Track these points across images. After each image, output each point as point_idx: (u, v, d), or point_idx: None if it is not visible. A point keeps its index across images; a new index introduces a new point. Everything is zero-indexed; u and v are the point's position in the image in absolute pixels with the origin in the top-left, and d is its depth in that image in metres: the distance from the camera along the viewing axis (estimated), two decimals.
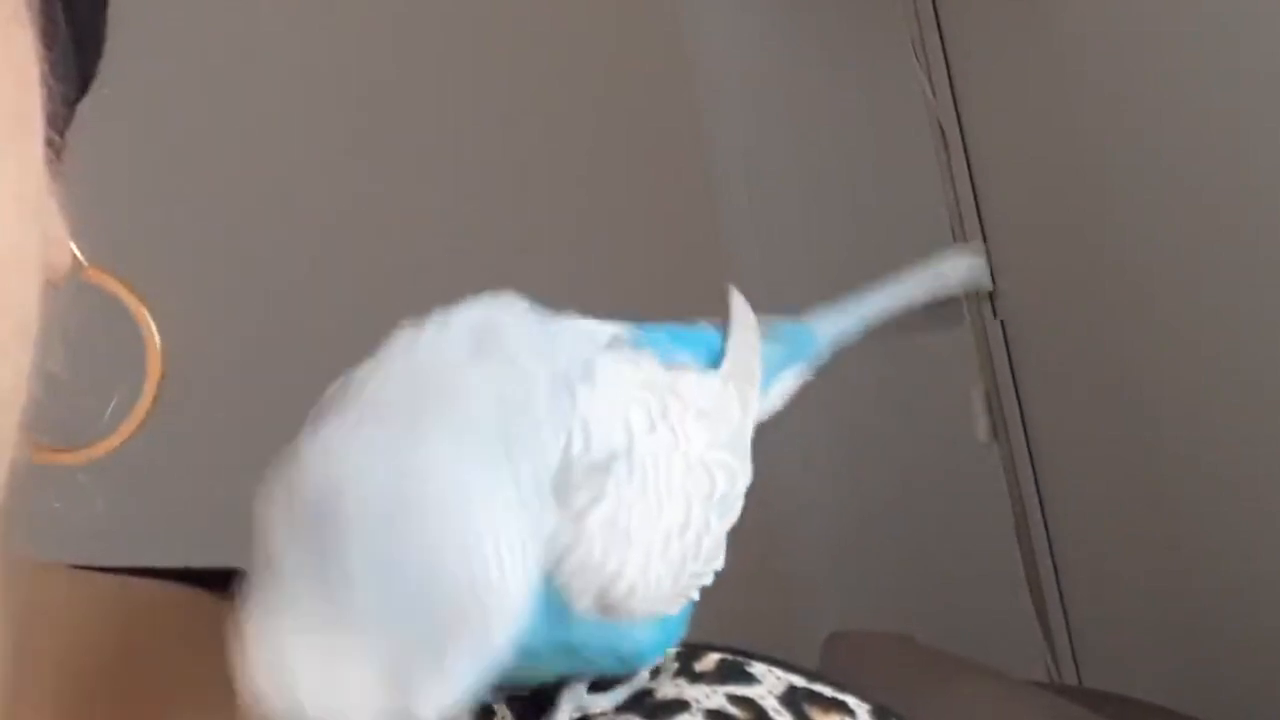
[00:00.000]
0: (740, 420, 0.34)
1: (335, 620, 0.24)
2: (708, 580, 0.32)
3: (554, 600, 0.29)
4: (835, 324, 0.39)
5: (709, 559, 0.32)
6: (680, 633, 0.33)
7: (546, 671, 0.31)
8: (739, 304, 0.37)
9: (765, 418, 0.36)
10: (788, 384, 0.38)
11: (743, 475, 0.33)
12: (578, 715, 0.32)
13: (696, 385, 0.33)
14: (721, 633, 0.35)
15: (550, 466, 0.29)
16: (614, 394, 0.31)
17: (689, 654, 0.34)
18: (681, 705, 0.32)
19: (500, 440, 0.27)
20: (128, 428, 0.28)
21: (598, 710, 0.32)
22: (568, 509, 0.29)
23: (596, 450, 0.30)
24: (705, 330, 0.36)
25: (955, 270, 0.43)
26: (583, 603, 0.29)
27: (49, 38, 0.26)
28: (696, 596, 0.32)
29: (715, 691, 0.33)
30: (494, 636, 0.26)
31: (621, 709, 0.32)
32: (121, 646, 0.31)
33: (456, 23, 1.54)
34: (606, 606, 0.30)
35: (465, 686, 0.25)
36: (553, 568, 0.29)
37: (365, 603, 0.24)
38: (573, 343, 0.31)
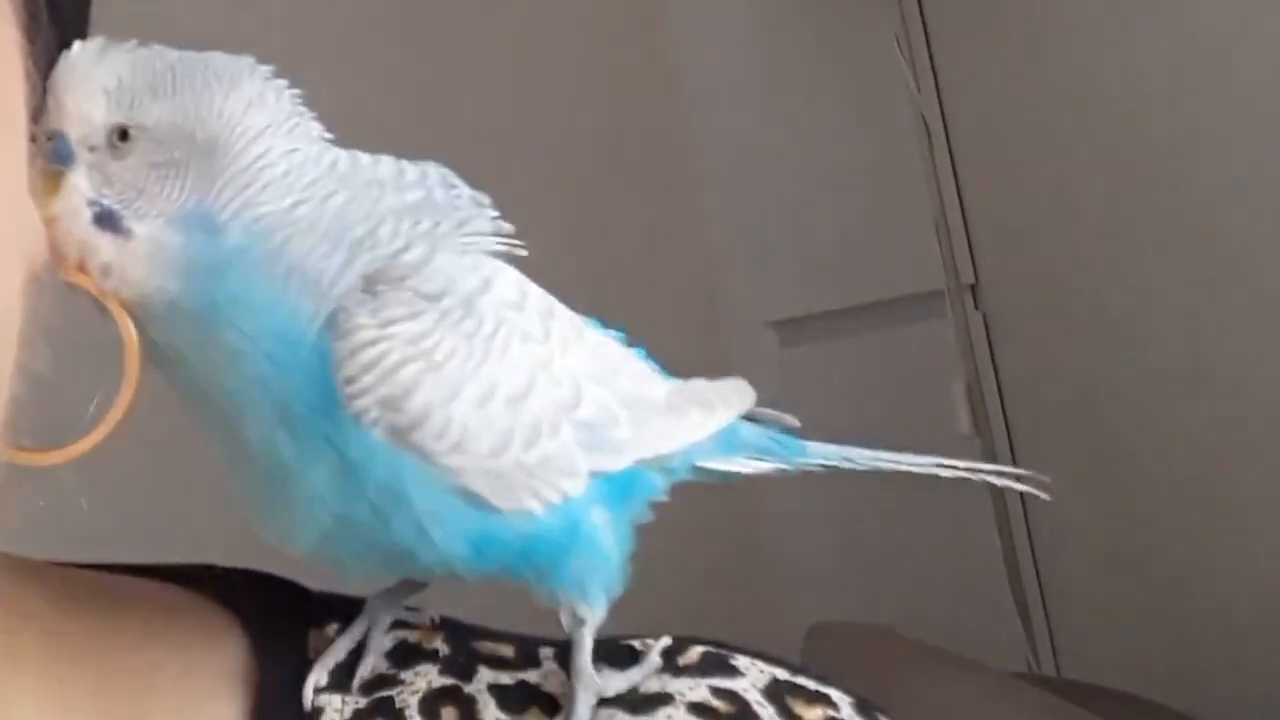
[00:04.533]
0: (656, 403, 0.34)
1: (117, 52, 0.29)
2: (549, 494, 0.30)
3: (334, 398, 0.28)
4: (831, 457, 0.39)
5: (551, 465, 0.30)
6: (519, 561, 0.31)
7: (327, 512, 0.29)
8: (740, 383, 0.37)
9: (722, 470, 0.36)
10: (758, 466, 0.37)
11: (626, 430, 0.32)
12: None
13: (605, 339, 0.33)
14: (704, 623, 0.35)
15: (373, 248, 0.29)
16: (494, 263, 0.31)
17: (673, 648, 0.34)
18: (665, 698, 0.32)
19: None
20: (106, 427, 0.28)
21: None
22: (375, 315, 0.29)
23: (434, 280, 0.30)
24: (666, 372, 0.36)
25: (1005, 480, 0.44)
26: (367, 409, 0.28)
27: (31, 32, 0.26)
28: (536, 507, 0.30)
29: (698, 684, 0.33)
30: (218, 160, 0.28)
31: (603, 703, 0.32)
32: (104, 642, 0.31)
33: (448, 28, 1.54)
34: (397, 430, 0.29)
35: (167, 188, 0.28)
36: (340, 361, 0.28)
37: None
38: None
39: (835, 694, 0.34)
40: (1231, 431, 1.06)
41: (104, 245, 0.28)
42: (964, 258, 1.33)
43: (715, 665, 0.33)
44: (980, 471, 0.43)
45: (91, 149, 0.28)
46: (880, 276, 1.42)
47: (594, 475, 0.32)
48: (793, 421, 0.38)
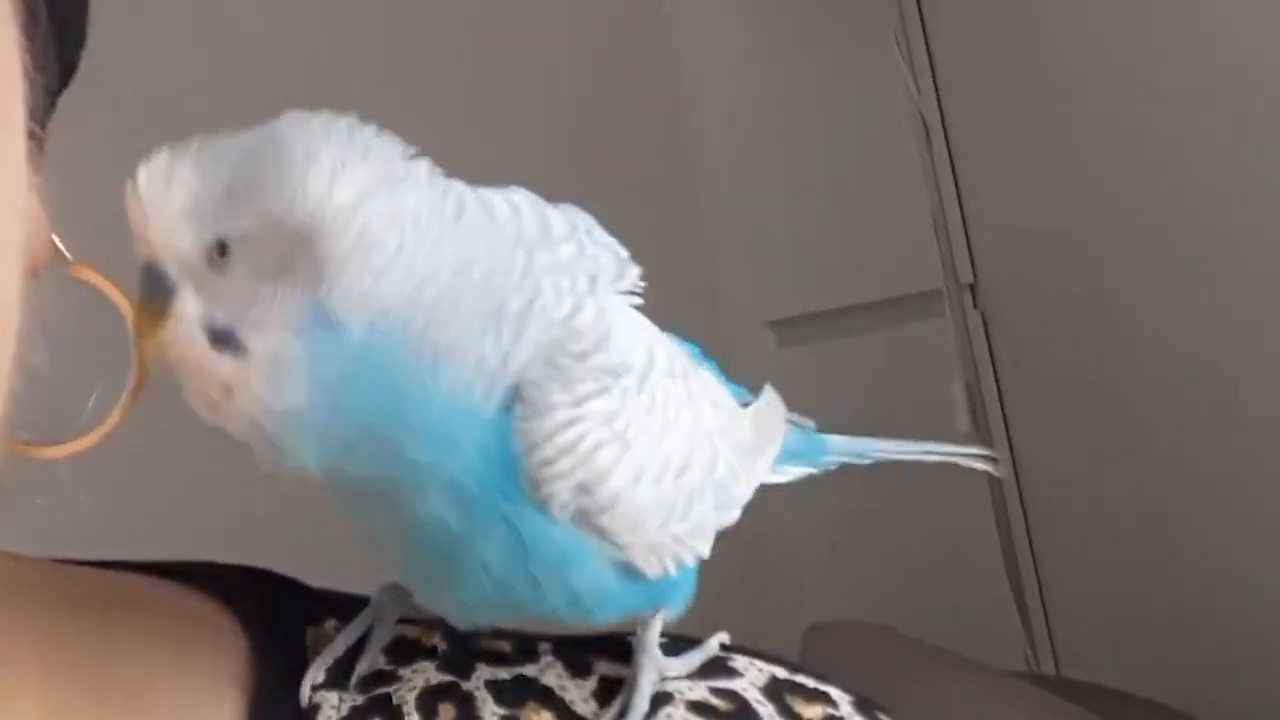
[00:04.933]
0: (751, 445, 0.34)
1: (189, 156, 0.27)
2: (687, 558, 0.31)
3: (512, 476, 0.28)
4: (848, 449, 0.40)
5: (695, 532, 0.31)
6: (645, 608, 0.32)
7: (487, 579, 0.29)
8: (772, 393, 0.38)
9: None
10: (788, 473, 0.38)
11: (743, 483, 0.33)
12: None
13: (715, 385, 0.34)
14: (702, 623, 0.35)
15: (541, 316, 0.28)
16: (640, 324, 0.31)
17: (671, 648, 0.34)
18: (664, 697, 0.32)
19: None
20: (111, 423, 0.28)
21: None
22: (567, 391, 0.28)
23: (613, 353, 0.29)
24: (732, 383, 0.36)
25: (971, 460, 0.44)
26: (558, 493, 0.28)
27: (30, 30, 0.26)
28: (672, 570, 0.31)
29: (697, 684, 0.33)
30: (318, 263, 0.26)
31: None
32: (101, 638, 0.31)
33: (445, 27, 1.54)
34: (582, 512, 0.28)
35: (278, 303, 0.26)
36: (534, 445, 0.27)
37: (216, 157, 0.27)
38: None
39: (835, 692, 0.34)
40: (1230, 430, 1.06)
41: (222, 366, 0.26)
42: (962, 257, 1.33)
43: (714, 665, 0.34)
44: (955, 455, 0.45)
45: (192, 272, 0.27)
46: (879, 276, 1.42)
47: None
48: (808, 423, 0.38)
